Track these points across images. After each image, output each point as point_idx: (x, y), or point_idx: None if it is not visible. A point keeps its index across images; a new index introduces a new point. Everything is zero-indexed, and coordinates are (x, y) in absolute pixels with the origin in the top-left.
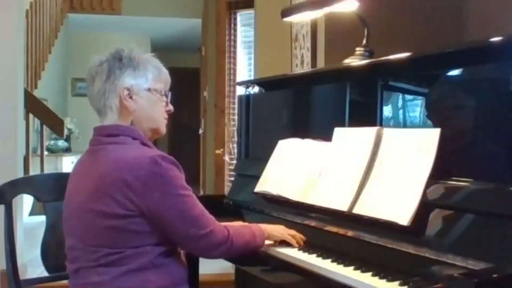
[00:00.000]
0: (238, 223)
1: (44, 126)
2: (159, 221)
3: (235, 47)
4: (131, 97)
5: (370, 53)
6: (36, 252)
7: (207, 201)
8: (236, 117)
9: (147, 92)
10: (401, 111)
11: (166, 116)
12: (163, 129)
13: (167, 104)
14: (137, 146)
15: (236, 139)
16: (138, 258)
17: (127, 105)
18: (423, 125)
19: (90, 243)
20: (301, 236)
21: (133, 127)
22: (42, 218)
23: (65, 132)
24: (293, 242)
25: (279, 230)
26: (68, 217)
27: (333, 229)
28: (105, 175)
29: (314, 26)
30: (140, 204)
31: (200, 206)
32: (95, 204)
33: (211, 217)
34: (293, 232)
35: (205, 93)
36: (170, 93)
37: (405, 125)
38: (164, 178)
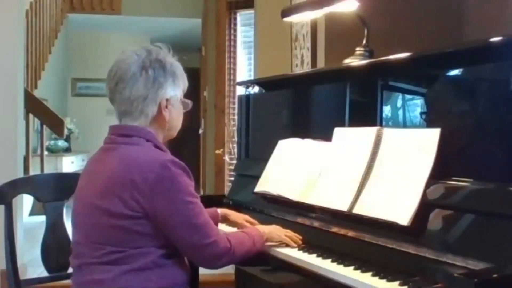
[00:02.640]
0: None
1: (44, 126)
2: (163, 225)
3: (235, 47)
4: (166, 107)
5: (370, 53)
6: (36, 252)
7: (207, 201)
8: (236, 117)
9: (179, 103)
10: (401, 111)
11: None
12: (175, 134)
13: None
14: (150, 148)
15: (236, 139)
16: (140, 258)
17: (165, 115)
18: (423, 125)
19: (94, 240)
20: (297, 235)
21: (147, 129)
22: (42, 218)
23: (65, 132)
24: (292, 243)
25: (276, 232)
26: (76, 212)
27: (333, 229)
28: (114, 175)
29: (314, 26)
30: (146, 206)
31: (205, 216)
32: (102, 202)
33: (214, 227)
34: (289, 232)
35: (205, 93)
36: (191, 102)
37: (405, 125)
38: (172, 183)
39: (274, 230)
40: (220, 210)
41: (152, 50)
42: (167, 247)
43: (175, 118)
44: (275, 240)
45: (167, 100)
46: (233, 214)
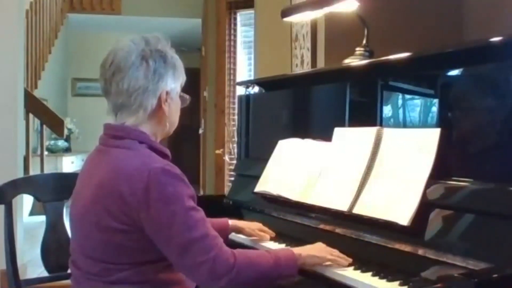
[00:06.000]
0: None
1: (44, 126)
2: (154, 239)
3: (235, 47)
4: (166, 100)
5: (370, 53)
6: (36, 252)
7: (207, 201)
8: (236, 117)
9: (177, 97)
10: (401, 111)
11: None
12: (172, 132)
13: None
14: (142, 152)
15: (236, 139)
16: (140, 273)
17: (164, 109)
18: (423, 125)
19: (89, 255)
20: (346, 257)
21: (141, 129)
22: (42, 218)
23: (65, 132)
24: (340, 264)
25: (319, 255)
26: (71, 217)
27: (333, 229)
28: (103, 184)
29: (314, 26)
30: (136, 219)
31: (202, 228)
32: (92, 215)
33: (215, 241)
34: (336, 252)
35: (205, 93)
36: (189, 97)
37: (405, 125)
38: (162, 194)
39: (316, 251)
40: (232, 222)
41: (150, 40)
42: (167, 259)
43: (174, 113)
44: (317, 262)
45: (167, 93)
46: (247, 228)
